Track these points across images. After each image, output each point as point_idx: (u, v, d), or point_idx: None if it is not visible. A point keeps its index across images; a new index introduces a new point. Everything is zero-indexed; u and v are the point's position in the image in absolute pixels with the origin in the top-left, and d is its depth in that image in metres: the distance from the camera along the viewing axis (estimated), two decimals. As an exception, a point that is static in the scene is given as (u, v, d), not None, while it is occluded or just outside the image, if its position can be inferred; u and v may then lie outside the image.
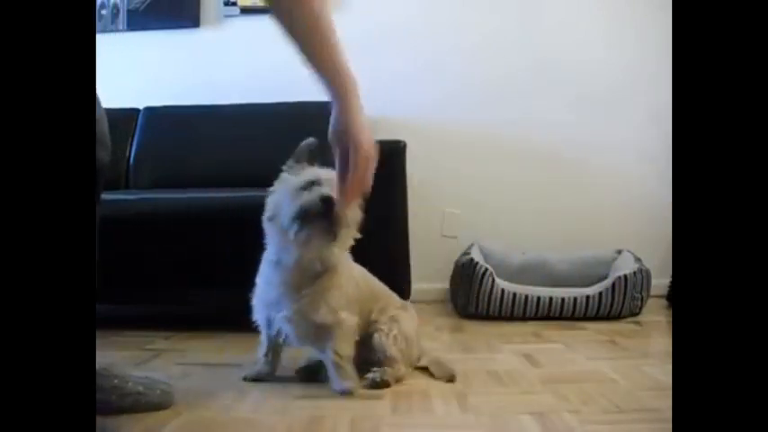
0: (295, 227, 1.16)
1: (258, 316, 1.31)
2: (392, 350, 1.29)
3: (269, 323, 1.29)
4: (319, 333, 1.24)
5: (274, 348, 1.33)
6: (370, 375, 1.27)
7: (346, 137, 1.03)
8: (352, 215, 1.19)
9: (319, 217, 1.14)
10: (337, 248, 1.22)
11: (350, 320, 1.25)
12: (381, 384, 1.26)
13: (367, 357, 1.30)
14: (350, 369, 1.25)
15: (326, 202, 1.13)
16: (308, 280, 1.23)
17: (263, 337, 1.33)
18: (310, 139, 1.27)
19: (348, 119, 1.02)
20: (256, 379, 1.32)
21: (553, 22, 2.65)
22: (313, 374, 1.33)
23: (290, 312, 1.23)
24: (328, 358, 1.24)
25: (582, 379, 1.34)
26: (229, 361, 1.52)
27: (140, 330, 1.86)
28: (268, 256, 1.28)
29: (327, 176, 1.16)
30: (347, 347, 1.25)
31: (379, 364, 1.29)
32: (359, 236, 1.23)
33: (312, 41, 1.00)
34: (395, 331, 1.32)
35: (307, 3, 0.99)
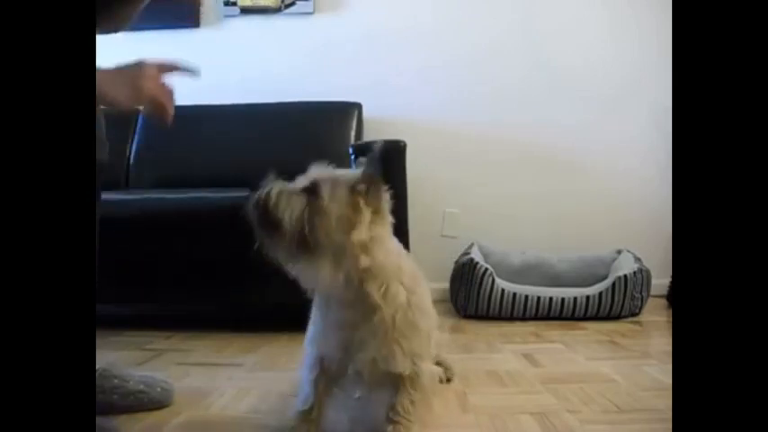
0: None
1: (309, 363, 1.02)
2: (443, 356, 1.34)
3: (320, 373, 1.00)
4: (394, 381, 0.97)
5: (320, 402, 1.01)
6: None
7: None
8: (334, 203, 0.86)
9: (261, 227, 0.88)
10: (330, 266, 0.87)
11: (431, 371, 0.98)
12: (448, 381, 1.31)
13: None
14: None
15: (256, 204, 0.87)
16: (361, 315, 0.92)
17: (308, 388, 1.01)
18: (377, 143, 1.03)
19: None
20: None
21: (555, 24, 2.65)
22: None
23: (358, 365, 0.94)
24: (392, 414, 0.95)
25: (582, 379, 1.35)
26: (229, 361, 1.52)
27: (140, 330, 1.87)
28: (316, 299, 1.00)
29: (314, 174, 0.91)
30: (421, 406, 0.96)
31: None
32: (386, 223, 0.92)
33: None
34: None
35: None
